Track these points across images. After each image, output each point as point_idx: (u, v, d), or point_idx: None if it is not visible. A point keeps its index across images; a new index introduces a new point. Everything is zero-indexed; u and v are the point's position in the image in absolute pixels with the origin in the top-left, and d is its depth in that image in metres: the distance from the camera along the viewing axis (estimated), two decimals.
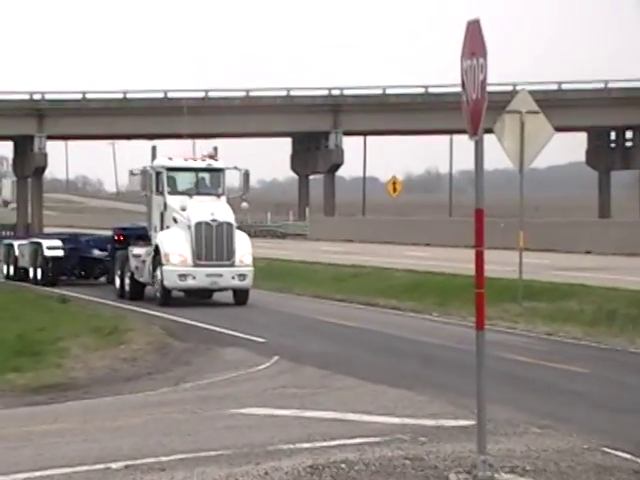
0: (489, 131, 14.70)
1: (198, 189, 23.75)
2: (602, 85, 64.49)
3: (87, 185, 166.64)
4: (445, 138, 74.19)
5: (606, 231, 40.89)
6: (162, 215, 23.54)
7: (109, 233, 28.91)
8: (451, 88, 55.23)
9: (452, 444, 8.66)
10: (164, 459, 8.14)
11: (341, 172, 72.66)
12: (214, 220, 22.64)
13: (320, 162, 66.96)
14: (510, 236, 27.70)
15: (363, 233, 51.24)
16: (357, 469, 7.76)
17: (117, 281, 25.12)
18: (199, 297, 23.47)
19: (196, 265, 22.43)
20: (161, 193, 23.64)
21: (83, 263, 28.97)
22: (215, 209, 22.95)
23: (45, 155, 64.35)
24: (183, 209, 22.84)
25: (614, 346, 16.20)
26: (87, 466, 7.96)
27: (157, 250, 22.93)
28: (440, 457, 8.15)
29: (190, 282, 22.43)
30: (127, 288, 24.44)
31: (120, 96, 65.85)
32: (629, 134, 66.08)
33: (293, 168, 72.62)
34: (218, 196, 23.70)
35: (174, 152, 25.72)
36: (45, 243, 28.99)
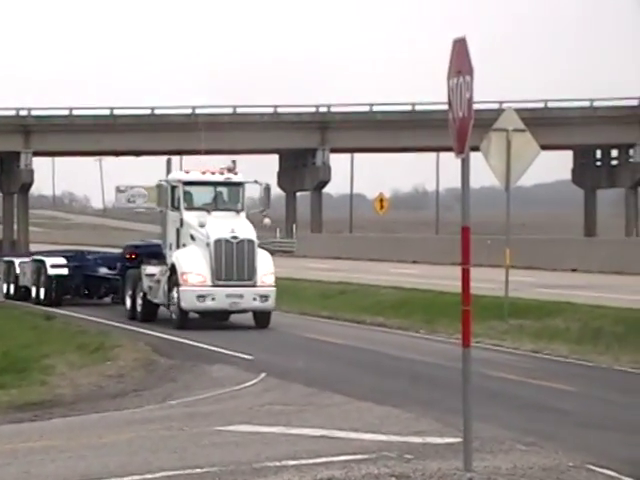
0: (475, 149, 14.80)
1: (216, 204, 22.26)
2: (588, 104, 64.86)
3: (73, 202, 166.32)
4: (432, 156, 74.45)
5: (592, 249, 41.05)
6: (178, 232, 21.94)
7: (117, 250, 27.92)
8: (438, 106, 55.45)
9: (438, 461, 8.66)
10: (150, 476, 8.11)
11: (328, 189, 72.73)
12: (234, 237, 21.19)
13: (307, 179, 67.06)
14: (496, 253, 27.80)
15: (350, 250, 51.26)
16: None
17: (128, 301, 23.44)
18: (216, 319, 22.15)
19: (215, 285, 20.99)
20: (177, 208, 22.05)
21: (88, 282, 27.28)
22: (235, 225, 21.50)
23: (31, 171, 64.22)
24: (202, 225, 21.32)
25: (600, 364, 16.23)
26: None
27: (173, 269, 21.39)
28: (426, 474, 8.16)
29: (209, 303, 21.01)
30: (139, 309, 22.90)
31: (107, 112, 65.84)
32: (614, 152, 66.42)
33: (280, 185, 72.62)
34: (237, 212, 22.21)
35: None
36: (49, 261, 27.41)
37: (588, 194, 68.25)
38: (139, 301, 22.95)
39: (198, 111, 66.81)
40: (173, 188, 22.22)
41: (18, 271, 28.98)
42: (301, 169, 68.46)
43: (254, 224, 22.22)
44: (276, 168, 72.37)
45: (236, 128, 64.44)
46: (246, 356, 17.15)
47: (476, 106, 8.13)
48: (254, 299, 21.10)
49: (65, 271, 27.05)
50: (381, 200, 57.47)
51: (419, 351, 17.70)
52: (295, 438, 9.94)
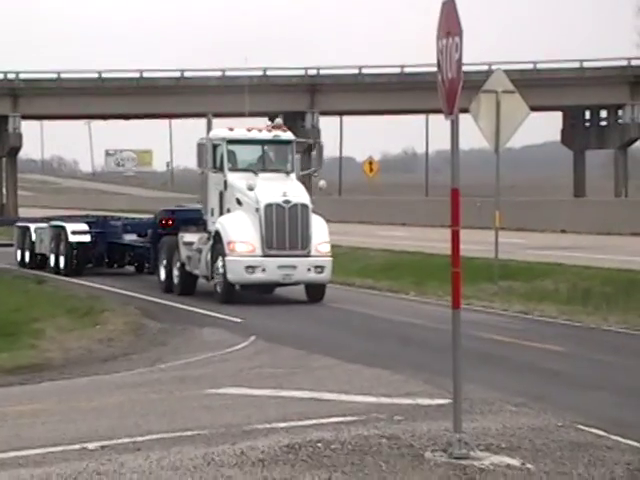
0: (465, 111, 14.71)
1: (264, 165, 19.94)
2: (577, 65, 64.66)
3: (62, 165, 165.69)
4: (421, 118, 74.24)
5: (581, 210, 41.11)
6: (221, 196, 19.63)
7: (147, 216, 26.25)
8: (427, 68, 55.21)
9: (428, 423, 8.70)
10: (140, 439, 8.13)
11: None
12: (287, 201, 18.89)
13: None
14: (486, 215, 27.82)
15: (339, 213, 51.23)
16: (333, 448, 7.78)
17: (162, 273, 21.17)
18: (260, 292, 20.05)
19: (266, 255, 18.72)
20: (220, 170, 19.69)
21: (111, 250, 25.36)
22: (287, 188, 19.16)
23: (20, 135, 63.84)
24: (250, 188, 18.90)
25: (589, 324, 16.31)
26: (63, 446, 7.95)
27: (217, 237, 19.14)
28: (416, 436, 8.19)
29: (259, 275, 18.74)
30: (176, 281, 20.69)
31: (95, 76, 65.40)
32: (604, 113, 66.36)
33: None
34: (287, 173, 19.91)
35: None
36: (69, 227, 25.20)
37: (577, 155, 68.26)
38: (175, 272, 20.69)
39: (187, 74, 66.43)
40: (215, 147, 19.90)
41: (34, 237, 26.98)
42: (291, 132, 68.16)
43: (306, 186, 20.17)
44: None
45: (225, 91, 64.13)
46: (236, 319, 17.17)
47: (465, 68, 8.07)
48: (308, 270, 18.97)
49: (87, 238, 25.07)
50: (370, 163, 57.34)
51: (409, 313, 17.74)
52: (285, 400, 9.97)
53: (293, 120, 68.33)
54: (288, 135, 20.21)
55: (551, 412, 9.31)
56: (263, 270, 18.76)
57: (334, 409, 9.39)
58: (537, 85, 56.67)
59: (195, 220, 20.89)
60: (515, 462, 7.51)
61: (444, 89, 8.01)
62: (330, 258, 19.28)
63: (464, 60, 7.82)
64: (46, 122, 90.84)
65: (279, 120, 20.82)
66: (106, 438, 8.17)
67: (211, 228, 19.65)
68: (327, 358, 12.88)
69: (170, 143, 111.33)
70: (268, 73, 66.76)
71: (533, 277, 21.79)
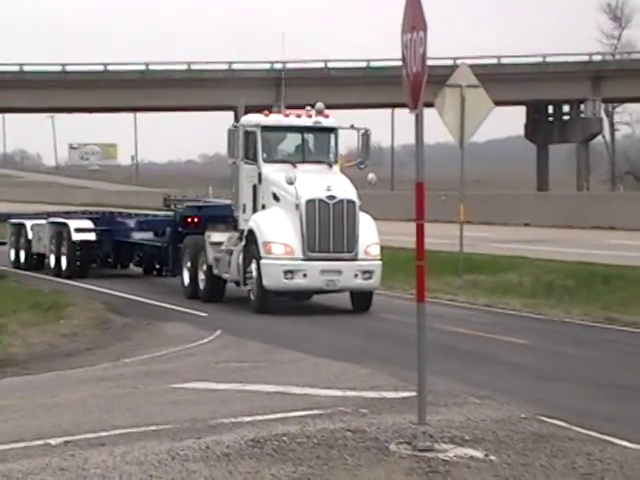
0: (430, 105, 14.78)
1: (303, 155, 17.55)
2: (540, 60, 65.15)
3: (25, 159, 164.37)
4: (387, 112, 74.37)
5: (544, 204, 41.44)
6: (255, 190, 17.27)
7: (158, 213, 24.17)
8: (392, 62, 55.33)
9: (393, 416, 8.74)
10: (104, 434, 8.10)
11: None
12: (331, 197, 16.54)
13: None
14: (451, 209, 27.95)
15: None
16: (299, 442, 7.80)
17: (186, 276, 18.81)
18: (297, 299, 17.76)
19: (307, 258, 16.38)
20: (254, 161, 17.38)
21: (118, 249, 23.08)
22: (331, 182, 16.82)
23: None
24: (290, 182, 16.43)
25: (551, 317, 16.46)
26: (25, 442, 7.90)
27: (251, 237, 16.77)
28: (381, 429, 8.23)
29: (299, 281, 16.37)
30: (202, 286, 18.43)
31: (59, 69, 64.92)
32: (566, 108, 66.90)
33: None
34: (330, 164, 17.59)
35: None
36: (72, 224, 22.85)
37: (540, 149, 68.79)
38: (202, 276, 18.40)
39: (152, 67, 66.10)
40: (248, 135, 17.53)
41: (30, 235, 24.63)
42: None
43: (352, 181, 17.35)
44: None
45: (191, 85, 63.88)
46: (201, 313, 17.13)
47: (430, 62, 8.10)
48: (355, 276, 16.57)
49: (92, 236, 22.68)
50: None
51: (376, 307, 17.79)
52: (251, 395, 9.97)
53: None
54: (331, 121, 17.74)
55: (514, 404, 9.39)
56: (304, 275, 16.34)
57: (300, 403, 9.41)
58: (501, 80, 57.00)
59: (223, 217, 18.55)
60: (478, 454, 7.56)
61: (409, 83, 8.04)
62: (380, 262, 16.83)
63: (429, 54, 7.86)
64: (8, 115, 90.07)
65: (321, 104, 17.70)
66: (70, 433, 8.13)
67: (243, 227, 17.29)
68: (293, 352, 12.90)
69: (135, 137, 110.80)
70: (234, 67, 66.60)
71: (497, 270, 21.93)
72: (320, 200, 16.57)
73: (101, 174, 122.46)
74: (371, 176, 17.30)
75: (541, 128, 67.61)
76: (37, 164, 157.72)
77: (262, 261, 16.46)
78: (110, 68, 65.59)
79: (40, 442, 7.87)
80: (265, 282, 16.47)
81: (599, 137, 71.48)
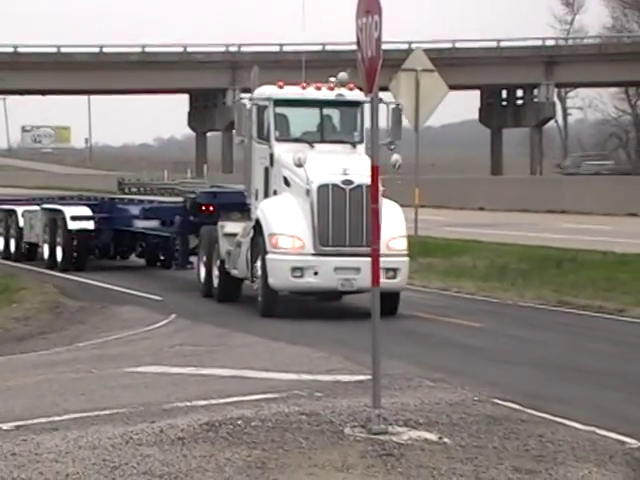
0: (385, 89, 14.75)
1: (323, 134, 15.23)
2: (494, 44, 65.51)
3: None
4: None
5: (498, 188, 41.75)
6: (267, 173, 14.99)
7: (168, 199, 21.86)
8: (348, 46, 55.28)
9: (348, 399, 8.77)
10: (57, 419, 8.04)
11: None
12: (347, 181, 14.15)
13: (218, 119, 66.48)
14: (406, 193, 28.03)
15: None
16: (253, 425, 7.80)
17: (202, 273, 16.48)
18: (321, 298, 15.70)
19: (319, 253, 14.06)
20: (266, 140, 15.03)
21: (119, 239, 21.15)
22: (350, 164, 14.44)
23: None
24: (299, 164, 14.21)
25: (505, 300, 16.60)
26: None
27: (258, 228, 14.52)
28: (336, 412, 8.26)
29: (309, 280, 14.09)
30: (215, 283, 16.13)
31: (11, 50, 64.09)
32: (520, 92, 67.39)
33: (190, 125, 71.86)
34: (353, 144, 15.22)
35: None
36: (68, 211, 20.62)
37: (494, 134, 69.24)
38: (215, 272, 16.09)
39: (106, 50, 65.49)
40: (260, 110, 15.13)
41: (22, 223, 22.48)
42: (212, 109, 67.80)
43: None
44: (186, 108, 71.56)
45: (145, 67, 63.40)
46: (156, 297, 17.05)
47: (385, 46, 8.11)
48: None
49: (90, 225, 20.53)
50: None
51: None
52: (205, 378, 9.95)
53: (215, 97, 67.98)
54: (356, 95, 14.95)
55: (468, 387, 9.47)
56: (315, 273, 14.05)
57: (255, 386, 9.41)
58: (456, 64, 57.25)
59: (240, 205, 16.16)
60: (433, 437, 7.62)
61: (364, 67, 8.04)
62: (406, 258, 14.47)
63: (384, 38, 7.86)
64: None
65: (344, 74, 15.18)
66: (22, 418, 8.06)
67: (254, 215, 15.05)
68: (248, 336, 12.89)
69: (89, 119, 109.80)
70: (189, 50, 66.18)
71: (452, 254, 22.08)
72: (334, 185, 14.12)
73: (54, 157, 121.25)
74: (395, 157, 14.62)
75: (495, 112, 68.04)
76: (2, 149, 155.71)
77: (267, 256, 14.09)
78: (63, 50, 64.86)
79: None
80: (271, 280, 14.08)
81: (552, 122, 72.11)
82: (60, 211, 20.91)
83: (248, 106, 15.15)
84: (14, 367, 11.13)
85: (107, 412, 8.29)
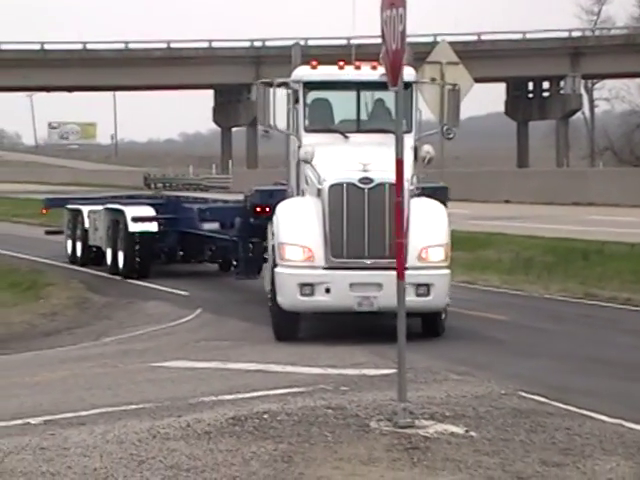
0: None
1: (360, 122, 13.02)
2: (520, 36, 65.19)
3: (4, 138, 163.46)
4: None
5: (524, 181, 41.54)
6: (298, 169, 13.07)
7: (228, 198, 19.91)
8: (373, 40, 55.18)
9: (373, 393, 8.77)
10: (84, 413, 8.09)
11: None
12: (366, 179, 11.83)
13: (243, 114, 66.57)
14: None
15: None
16: (279, 419, 7.82)
17: (266, 278, 13.66)
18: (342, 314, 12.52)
19: (331, 266, 11.82)
20: (296, 130, 13.11)
21: (186, 242, 18.85)
22: (375, 158, 12.05)
23: None
24: (306, 160, 12.38)
25: (531, 293, 16.53)
26: (5, 422, 7.88)
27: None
28: (362, 406, 8.26)
29: (320, 299, 11.80)
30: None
31: (37, 47, 64.44)
32: (546, 84, 67.03)
33: (215, 121, 72.04)
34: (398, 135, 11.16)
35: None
36: (129, 211, 18.54)
37: (520, 126, 68.92)
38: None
39: (131, 46, 65.71)
40: (292, 94, 13.19)
41: (87, 224, 20.48)
42: (236, 104, 67.89)
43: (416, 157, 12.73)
44: (211, 103, 71.75)
45: (170, 63, 63.57)
46: (182, 292, 17.10)
47: (410, 39, 8.08)
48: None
49: (153, 227, 18.47)
50: None
51: None
52: (231, 373, 9.97)
53: (239, 92, 68.08)
54: (406, 74, 11.33)
55: (494, 380, 9.44)
56: (327, 291, 11.76)
57: (280, 381, 9.42)
58: (481, 56, 57.01)
59: None
60: (459, 430, 7.60)
61: (388, 60, 8.03)
62: (445, 271, 11.92)
63: (409, 31, 7.84)
64: None
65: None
66: (49, 413, 8.12)
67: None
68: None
69: (114, 116, 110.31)
70: (213, 45, 66.30)
71: (476, 247, 22.00)
72: (350, 184, 11.84)
73: (80, 153, 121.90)
74: (427, 149, 12.59)
75: (521, 105, 67.73)
76: (16, 143, 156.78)
77: (276, 269, 12.10)
78: (89, 47, 65.16)
79: (20, 421, 7.86)
80: (279, 298, 12.01)
81: (578, 113, 71.66)
82: (121, 212, 18.74)
83: (272, 89, 12.68)
84: (41, 362, 11.21)
85: (134, 407, 8.33)
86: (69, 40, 70.49)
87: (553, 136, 69.82)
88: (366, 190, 11.86)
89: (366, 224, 11.85)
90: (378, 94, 13.04)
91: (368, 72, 12.94)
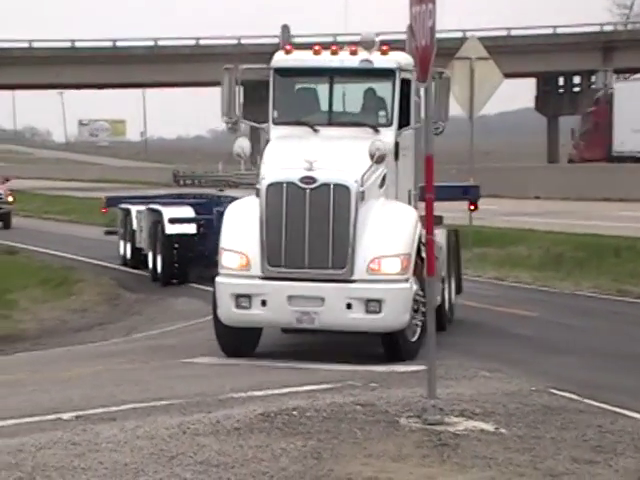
0: None
1: (332, 115, 11.39)
2: (550, 31, 64.79)
3: (35, 136, 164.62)
4: None
5: (554, 176, 41.31)
6: None
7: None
8: (399, 35, 55.02)
9: (403, 389, 8.75)
10: (115, 409, 8.13)
11: None
12: (308, 179, 10.36)
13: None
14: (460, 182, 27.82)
15: None
16: (308, 415, 7.82)
17: None
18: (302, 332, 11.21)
19: (268, 277, 10.41)
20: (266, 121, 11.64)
21: None
22: (331, 154, 10.73)
23: None
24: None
25: (561, 289, 16.44)
26: (37, 417, 7.94)
27: None
28: (391, 402, 8.24)
29: (256, 312, 10.42)
30: None
31: (68, 45, 64.84)
32: (576, 79, 66.58)
33: (245, 117, 72.06)
34: (376, 128, 11.17)
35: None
36: (166, 212, 17.41)
37: (551, 121, 68.52)
38: None
39: (161, 43, 65.95)
40: (258, 84, 11.93)
41: (135, 225, 19.48)
42: (267, 101, 67.89)
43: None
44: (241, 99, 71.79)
45: (200, 60, 63.76)
46: (211, 288, 17.10)
47: (439, 35, 8.06)
48: (348, 306, 10.24)
49: (191, 228, 17.29)
50: None
51: None
52: (260, 369, 9.99)
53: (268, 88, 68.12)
54: (389, 60, 11.27)
55: (524, 377, 9.39)
56: (263, 303, 10.40)
57: (309, 377, 9.42)
58: (511, 52, 56.68)
59: None
60: (489, 427, 7.57)
61: (418, 56, 8.00)
62: (402, 285, 10.28)
63: (438, 27, 7.81)
64: (18, 92, 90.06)
65: (370, 34, 11.40)
66: (81, 408, 8.17)
67: None
68: None
69: (144, 113, 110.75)
70: (243, 42, 66.41)
71: (506, 243, 21.91)
72: (290, 184, 10.38)
73: (110, 150, 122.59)
74: (377, 145, 10.62)
75: (551, 100, 67.31)
76: (47, 140, 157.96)
77: (216, 279, 10.72)
78: (119, 44, 65.48)
79: (51, 417, 7.91)
80: (217, 310, 10.69)
81: None
82: (160, 212, 17.71)
83: (236, 77, 11.40)
84: (73, 358, 11.29)
85: (164, 402, 8.36)
86: (99, 38, 70.93)
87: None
88: (308, 191, 10.35)
89: (307, 230, 10.34)
90: (356, 82, 11.60)
91: (347, 58, 11.35)
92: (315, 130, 11.23)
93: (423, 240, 9.80)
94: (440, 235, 12.17)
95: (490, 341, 11.99)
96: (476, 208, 15.16)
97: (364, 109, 11.53)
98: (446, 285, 12.54)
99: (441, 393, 8.09)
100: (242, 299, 10.41)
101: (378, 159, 10.57)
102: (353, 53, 11.35)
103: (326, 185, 10.35)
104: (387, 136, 11.01)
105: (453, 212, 22.96)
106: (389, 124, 11.20)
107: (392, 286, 10.25)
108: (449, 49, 21.73)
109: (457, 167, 37.91)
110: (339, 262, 10.21)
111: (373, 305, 10.20)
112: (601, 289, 16.13)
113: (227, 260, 10.53)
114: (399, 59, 11.29)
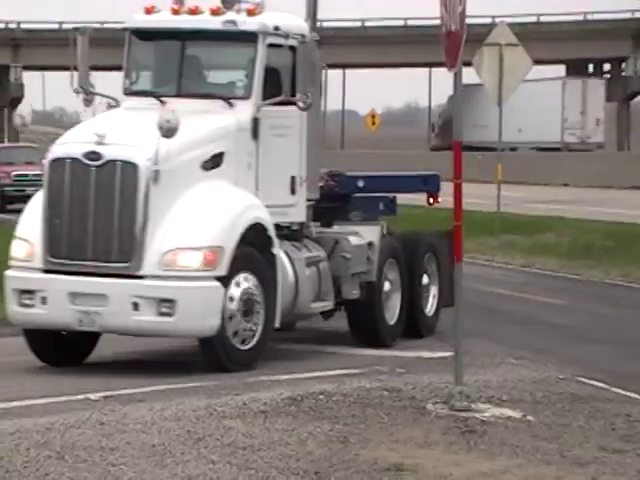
0: (468, 64, 14.59)
1: (181, 84, 9.94)
2: (580, 17, 64.26)
3: (64, 117, 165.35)
4: (424, 71, 73.84)
5: (583, 164, 41.04)
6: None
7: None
8: (431, 21, 54.82)
9: (430, 375, 8.74)
10: (143, 390, 8.19)
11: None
12: (94, 154, 9.07)
13: None
14: (488, 169, 27.76)
15: (341, 166, 51.09)
16: (335, 399, 7.83)
17: None
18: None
19: (49, 269, 9.15)
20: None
21: None
22: (123, 127, 9.55)
23: (21, 85, 63.76)
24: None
25: (590, 278, 16.35)
26: (66, 397, 8.01)
27: None
28: (417, 388, 8.24)
29: (36, 312, 9.14)
30: None
31: (97, 26, 65.02)
32: (607, 66, 66.01)
33: None
34: (230, 101, 9.65)
35: None
36: None
37: None
38: None
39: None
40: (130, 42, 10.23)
41: None
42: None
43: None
44: None
45: None
46: None
47: (469, 20, 8.01)
48: (135, 306, 8.90)
49: None
50: (373, 116, 57.07)
51: None
52: (288, 353, 10.02)
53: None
54: (252, 22, 9.66)
55: (552, 365, 9.36)
56: (43, 301, 9.07)
57: (337, 362, 9.44)
58: (540, 38, 56.23)
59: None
60: (516, 414, 7.55)
61: (447, 42, 7.96)
62: (200, 284, 8.91)
63: (467, 13, 7.77)
64: (48, 73, 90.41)
65: None
66: (109, 389, 8.23)
67: None
68: None
69: None
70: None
71: (534, 231, 21.81)
72: (73, 160, 9.08)
73: None
74: (167, 117, 8.96)
75: None
76: (76, 122, 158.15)
77: (5, 272, 9.47)
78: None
79: (80, 397, 7.98)
80: (6, 308, 9.50)
81: None
82: None
83: (85, 39, 10.46)
84: (102, 339, 11.33)
85: (191, 385, 8.40)
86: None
87: (614, 119, 68.79)
88: (93, 169, 8.98)
89: (90, 215, 8.97)
90: (215, 47, 9.99)
91: (207, 19, 9.76)
92: (162, 102, 9.68)
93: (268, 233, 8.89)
94: (370, 233, 10.55)
95: (518, 328, 11.96)
96: (436, 201, 12.40)
97: (220, 79, 10.18)
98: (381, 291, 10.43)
99: (468, 380, 8.08)
100: (24, 295, 9.14)
101: (167, 133, 8.87)
102: (215, 13, 9.69)
103: (112, 162, 8.96)
104: (242, 110, 9.45)
105: (481, 198, 22.96)
106: (246, 96, 9.57)
107: (188, 284, 8.73)
108: (478, 35, 21.63)
109: (484, 153, 37.77)
110: (124, 254, 8.82)
111: (165, 306, 8.75)
112: (630, 278, 16.02)
113: (16, 249, 9.29)
114: (269, 21, 9.62)
